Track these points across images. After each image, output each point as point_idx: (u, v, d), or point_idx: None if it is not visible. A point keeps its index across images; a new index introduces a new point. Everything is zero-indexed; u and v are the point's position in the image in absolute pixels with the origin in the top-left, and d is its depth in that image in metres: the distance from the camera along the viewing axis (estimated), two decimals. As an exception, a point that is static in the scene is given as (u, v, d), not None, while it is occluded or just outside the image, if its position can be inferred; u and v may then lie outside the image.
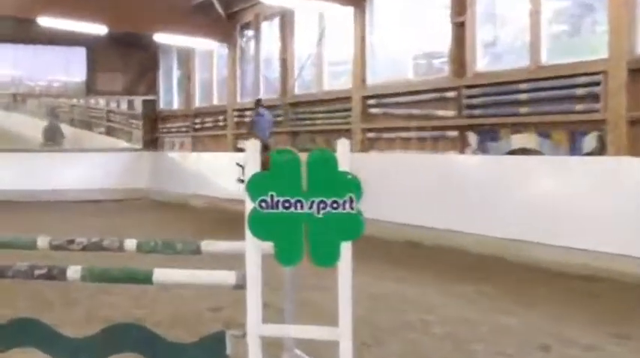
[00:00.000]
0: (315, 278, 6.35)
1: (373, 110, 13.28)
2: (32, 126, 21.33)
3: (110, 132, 22.33)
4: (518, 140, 10.26)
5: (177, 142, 21.42)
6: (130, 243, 3.89)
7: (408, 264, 9.17)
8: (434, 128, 11.81)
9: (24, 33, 19.33)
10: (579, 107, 9.43)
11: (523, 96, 10.24)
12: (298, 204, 3.02)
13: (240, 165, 14.12)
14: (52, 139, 21.56)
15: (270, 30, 17.07)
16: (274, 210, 3.04)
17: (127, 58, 21.62)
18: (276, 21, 16.51)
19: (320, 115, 14.76)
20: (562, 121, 9.62)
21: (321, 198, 2.99)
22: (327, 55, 15.01)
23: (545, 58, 10.12)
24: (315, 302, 6.29)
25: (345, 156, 3.00)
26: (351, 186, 2.97)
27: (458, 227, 10.24)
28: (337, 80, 14.90)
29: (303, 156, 3.06)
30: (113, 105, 22.46)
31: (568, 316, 6.34)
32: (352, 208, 2.98)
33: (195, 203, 17.68)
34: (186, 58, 20.98)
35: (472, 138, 11.04)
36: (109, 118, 22.41)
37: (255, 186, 3.07)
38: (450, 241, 10.16)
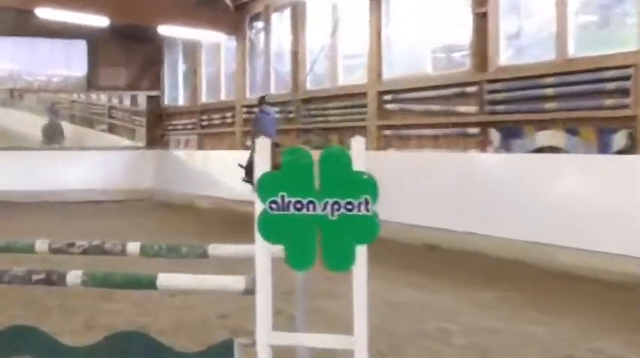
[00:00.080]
0: (328, 284, 6.35)
1: (389, 106, 13.27)
2: (31, 124, 21.38)
3: (112, 129, 22.37)
4: (544, 137, 10.22)
5: (182, 140, 21.46)
6: (133, 247, 3.90)
7: (426, 268, 9.16)
8: (454, 125, 11.78)
9: (22, 25, 19.40)
10: (608, 102, 9.38)
11: (549, 91, 10.21)
12: (310, 206, 3.01)
13: (241, 166, 14.16)
14: (52, 137, 21.62)
15: (280, 21, 17.07)
16: (285, 212, 3.03)
17: (129, 51, 21.68)
18: (287, 12, 16.51)
19: (333, 112, 14.76)
20: (590, 117, 9.57)
21: (334, 199, 2.98)
22: (341, 47, 14.99)
23: (572, 51, 10.07)
24: (328, 309, 6.29)
25: (360, 154, 2.99)
26: (367, 186, 2.96)
27: (478, 229, 10.21)
28: (352, 74, 14.89)
29: (316, 155, 3.05)
30: (115, 102, 22.49)
31: (596, 325, 6.32)
32: (368, 210, 2.97)
33: (201, 204, 17.72)
34: (192, 51, 21.02)
35: (494, 135, 11.01)
36: (111, 115, 22.44)
37: (265, 187, 3.06)
38: (470, 244, 10.14)
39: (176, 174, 20.08)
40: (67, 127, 21.87)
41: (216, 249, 3.85)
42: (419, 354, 5.44)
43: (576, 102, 9.77)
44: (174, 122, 22.00)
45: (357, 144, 3.02)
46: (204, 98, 20.63)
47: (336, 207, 2.98)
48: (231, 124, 18.60)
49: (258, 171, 3.08)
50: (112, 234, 11.53)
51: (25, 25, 19.26)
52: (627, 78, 9.13)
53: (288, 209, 3.03)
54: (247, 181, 13.75)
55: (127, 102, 22.55)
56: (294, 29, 16.17)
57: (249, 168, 14.03)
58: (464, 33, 11.72)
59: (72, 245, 3.99)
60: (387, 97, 13.32)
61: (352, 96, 14.24)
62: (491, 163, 10.86)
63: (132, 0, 17.06)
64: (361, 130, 13.17)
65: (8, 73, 21.50)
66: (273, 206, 3.04)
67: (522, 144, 10.55)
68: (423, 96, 12.50)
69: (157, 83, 22.48)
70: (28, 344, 3.79)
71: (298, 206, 3.02)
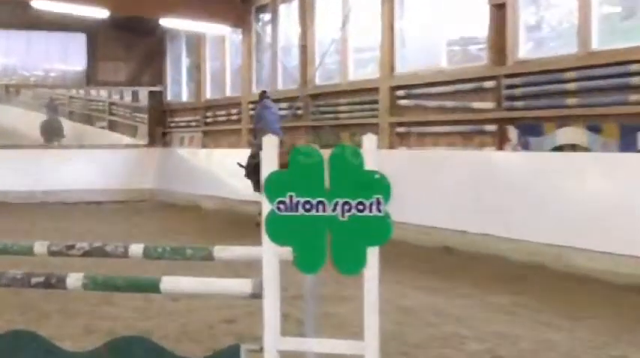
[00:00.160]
0: (338, 287, 6.39)
1: (403, 102, 13.26)
2: (27, 121, 21.41)
3: (113, 126, 22.38)
4: (565, 135, 10.20)
5: (186, 138, 21.49)
6: (136, 249, 3.93)
7: (440, 271, 9.17)
8: (470, 122, 11.78)
9: (17, 17, 19.47)
10: (633, 98, 9.35)
11: (570, 86, 10.19)
12: (320, 206, 3.04)
13: (241, 165, 14.19)
14: (52, 135, 21.65)
15: (288, 13, 17.07)
16: (294, 213, 3.06)
17: (130, 45, 21.70)
18: (296, 3, 16.50)
19: (344, 108, 14.76)
20: (614, 114, 9.55)
21: (345, 200, 3.01)
22: (352, 41, 14.96)
23: (595, 44, 10.04)
24: (337, 313, 6.32)
25: (372, 152, 3.02)
26: (379, 186, 2.99)
27: (495, 231, 10.21)
28: (363, 69, 14.90)
29: (326, 153, 3.08)
30: (116, 97, 22.50)
31: (616, 330, 6.32)
32: (380, 210, 2.99)
33: (206, 204, 17.75)
34: (196, 44, 21.03)
35: (512, 132, 11.00)
36: (112, 111, 22.46)
37: (272, 187, 3.09)
38: (486, 247, 10.14)
39: (179, 173, 20.10)
40: (66, 124, 21.88)
41: (222, 251, 3.88)
42: (433, 361, 5.47)
43: (599, 98, 9.76)
44: (177, 119, 22.03)
45: (369, 142, 3.05)
46: (208, 94, 20.63)
47: (346, 207, 3.01)
48: (237, 121, 18.60)
49: (265, 170, 3.11)
50: (113, 236, 11.59)
51: (20, 17, 19.32)
52: (653, 72, 9.14)
53: (296, 209, 3.05)
54: (255, 181, 13.78)
55: (127, 98, 22.55)
56: (303, 21, 16.17)
57: (249, 168, 14.06)
58: (481, 25, 11.70)
59: (72, 247, 4.03)
60: (400, 93, 13.31)
61: (363, 92, 14.24)
62: (508, 162, 10.85)
63: (133, -9, 17.12)
64: (373, 127, 13.17)
65: (3, 67, 21.55)
66: (282, 206, 3.07)
67: (542, 142, 10.54)
68: (437, 92, 12.49)
69: (159, 78, 22.48)
70: (26, 350, 3.83)
71: (307, 206, 3.05)
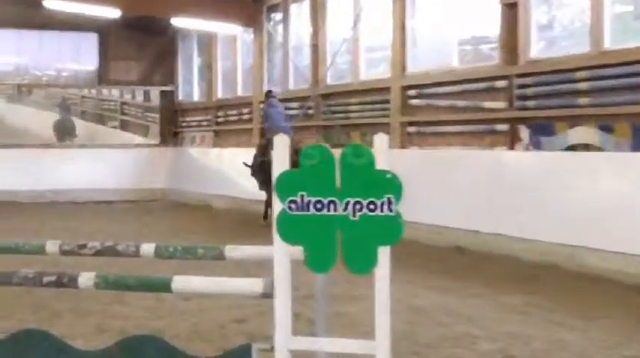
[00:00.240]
0: (349, 287, 6.40)
1: (414, 102, 13.26)
2: (39, 120, 21.48)
3: (124, 126, 22.44)
4: (577, 134, 10.18)
5: (197, 137, 21.53)
6: (148, 248, 3.94)
7: (452, 271, 9.16)
8: (481, 121, 11.76)
9: (29, 17, 19.56)
10: (646, 98, 9.35)
11: (582, 86, 10.16)
12: (331, 206, 3.04)
13: (247, 165, 14.21)
14: (64, 135, 21.70)
15: (299, 13, 17.08)
16: (305, 212, 3.06)
17: (142, 44, 21.76)
18: (307, 3, 16.50)
19: (355, 107, 14.76)
20: (627, 113, 9.52)
21: (356, 199, 3.01)
22: (364, 40, 14.95)
23: (607, 43, 10.02)
24: (349, 313, 6.32)
25: (384, 152, 3.02)
26: (390, 185, 2.99)
27: (507, 231, 10.19)
28: (374, 69, 14.89)
29: (337, 153, 3.08)
30: (127, 97, 22.54)
31: (629, 330, 6.30)
32: (391, 210, 2.99)
33: (217, 204, 17.78)
34: (207, 44, 21.06)
35: (524, 132, 10.98)
36: (123, 111, 22.51)
37: (284, 186, 3.09)
38: (499, 247, 10.13)
39: (190, 172, 20.14)
40: (78, 124, 21.93)
41: (233, 251, 3.88)
42: (444, 361, 5.47)
43: (611, 97, 9.73)
44: (189, 118, 22.07)
45: (380, 142, 3.05)
46: (219, 93, 20.66)
47: (357, 207, 3.01)
48: (249, 121, 18.61)
49: (277, 170, 3.11)
50: (124, 235, 11.62)
51: (32, 17, 19.41)
52: (665, 71, 9.11)
53: (308, 209, 3.05)
54: (260, 180, 13.81)
55: (139, 97, 22.59)
56: (314, 21, 16.17)
57: (254, 167, 14.09)
58: (492, 24, 11.68)
59: (84, 246, 4.04)
60: (412, 92, 13.31)
61: (375, 92, 14.23)
62: (520, 162, 10.83)
63: (144, -10, 17.15)
64: (384, 127, 13.16)
65: (15, 67, 21.64)
66: (293, 206, 3.07)
67: (553, 142, 10.52)
68: (449, 92, 12.48)
69: (170, 78, 22.54)
70: (38, 349, 3.84)
71: (318, 206, 3.04)
